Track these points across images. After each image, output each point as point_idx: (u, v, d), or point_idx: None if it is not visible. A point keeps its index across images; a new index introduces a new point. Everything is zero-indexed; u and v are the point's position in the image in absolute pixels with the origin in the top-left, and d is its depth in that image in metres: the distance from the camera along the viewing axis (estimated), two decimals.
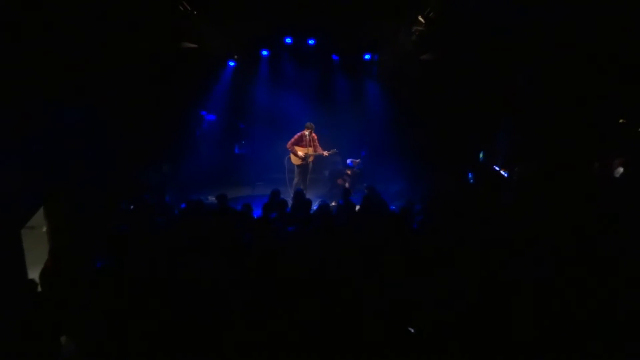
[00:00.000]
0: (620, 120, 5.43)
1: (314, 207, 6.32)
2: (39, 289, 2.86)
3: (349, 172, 7.28)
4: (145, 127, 6.47)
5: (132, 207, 4.83)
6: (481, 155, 7.54)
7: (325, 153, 6.77)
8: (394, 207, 5.60)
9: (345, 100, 8.62)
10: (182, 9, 6.14)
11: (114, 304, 2.57)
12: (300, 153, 6.83)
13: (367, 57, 8.28)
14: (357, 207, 5.55)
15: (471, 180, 7.22)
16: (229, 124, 8.53)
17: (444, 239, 3.75)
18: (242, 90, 8.50)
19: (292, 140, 6.94)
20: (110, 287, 2.72)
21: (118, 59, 5.35)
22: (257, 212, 5.06)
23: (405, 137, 8.12)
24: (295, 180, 7.00)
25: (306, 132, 6.77)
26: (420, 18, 6.53)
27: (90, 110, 4.82)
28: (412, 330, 2.41)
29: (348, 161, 7.42)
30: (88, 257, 3.09)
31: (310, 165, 6.92)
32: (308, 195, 6.82)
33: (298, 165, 6.91)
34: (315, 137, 6.97)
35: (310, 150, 6.79)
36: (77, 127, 4.41)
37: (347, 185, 6.90)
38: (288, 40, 7.80)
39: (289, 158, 6.99)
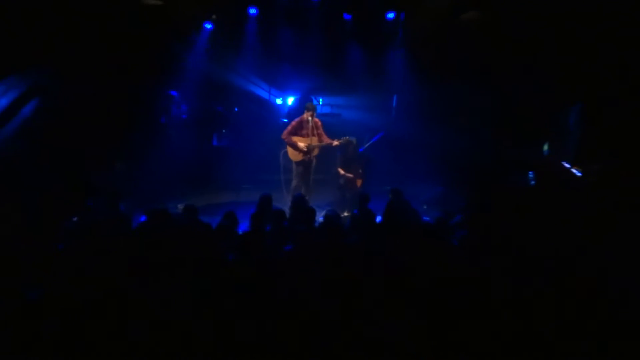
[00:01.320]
0: None
1: (319, 218, 6.35)
2: None
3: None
4: (92, 112, 6.49)
5: (74, 219, 4.82)
6: (545, 147, 7.53)
7: (335, 142, 6.77)
8: (427, 219, 5.61)
9: (359, 75, 8.68)
10: None
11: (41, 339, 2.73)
12: (301, 145, 6.83)
13: (390, 16, 8.24)
14: (378, 219, 5.55)
15: (532, 182, 7.22)
16: (204, 107, 8.56)
17: (496, 264, 3.74)
18: (222, 62, 8.56)
19: (289, 128, 6.93)
20: (37, 325, 2.78)
21: (56, 23, 5.35)
22: (243, 225, 5.08)
23: (441, 124, 8.20)
24: (294, 182, 7.00)
25: (307, 116, 6.78)
26: None
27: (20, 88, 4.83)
28: None
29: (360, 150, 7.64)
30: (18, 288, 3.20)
31: (314, 161, 6.93)
32: (312, 203, 6.83)
33: (297, 162, 6.91)
34: (320, 123, 7.00)
35: (314, 141, 6.78)
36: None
37: (349, 176, 7.11)
38: None
39: (285, 152, 6.99)
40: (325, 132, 6.97)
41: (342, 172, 7.21)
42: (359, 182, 7.31)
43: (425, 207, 7.40)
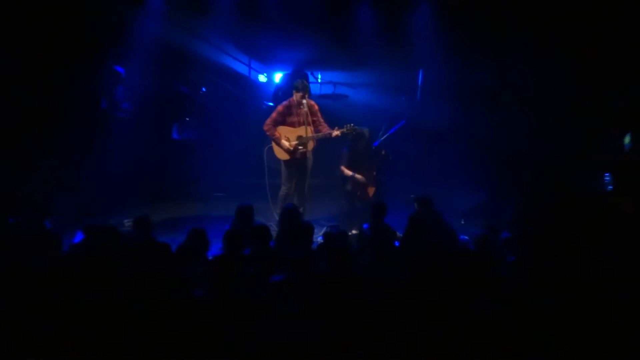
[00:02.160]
0: None
1: (319, 238, 6.34)
2: None
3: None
4: (7, 96, 6.52)
5: None
6: (627, 140, 7.57)
7: (336, 132, 6.79)
8: (465, 238, 5.63)
9: (372, 43, 8.70)
10: None
11: None
12: (289, 138, 6.92)
13: None
14: (399, 237, 5.60)
15: (609, 187, 7.26)
16: (161, 87, 8.57)
17: (560, 303, 3.77)
18: (184, 25, 8.59)
19: (273, 115, 7.01)
20: None
21: None
22: (214, 247, 5.12)
23: (483, 110, 8.27)
24: (283, 189, 7.06)
25: (298, 98, 6.87)
26: None
27: None
28: None
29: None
30: None
31: (310, 159, 6.97)
32: (308, 217, 6.86)
33: (287, 162, 6.97)
34: (316, 108, 7.06)
35: (309, 131, 6.84)
36: None
37: (359, 180, 7.31)
38: None
39: (270, 149, 7.07)
40: (325, 120, 7.00)
41: (348, 174, 7.24)
42: (371, 189, 7.34)
43: (463, 222, 7.44)
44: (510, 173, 7.82)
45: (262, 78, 10.01)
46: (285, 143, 6.85)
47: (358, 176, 7.21)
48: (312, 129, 6.84)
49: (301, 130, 6.83)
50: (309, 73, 9.46)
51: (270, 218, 7.04)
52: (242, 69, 9.76)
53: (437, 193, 6.66)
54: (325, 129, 6.86)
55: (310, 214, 7.23)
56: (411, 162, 8.36)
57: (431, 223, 5.35)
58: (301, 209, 6.74)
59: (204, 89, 9.07)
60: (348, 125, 6.80)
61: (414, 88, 9.13)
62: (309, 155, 6.94)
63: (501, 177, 7.80)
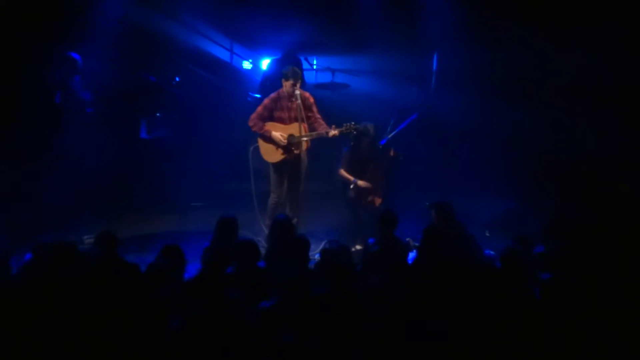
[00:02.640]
0: None
1: (316, 255, 6.29)
2: None
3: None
4: None
5: None
6: None
7: (333, 131, 6.78)
8: (491, 253, 5.66)
9: (377, 23, 8.73)
10: None
11: None
12: (279, 136, 6.95)
13: None
14: (413, 253, 5.62)
15: None
16: (127, 77, 8.57)
17: (605, 327, 3.80)
18: (154, 4, 8.65)
19: (259, 109, 7.06)
20: None
21: None
22: (192, 267, 5.13)
23: (512, 101, 8.31)
24: (273, 197, 7.09)
25: (288, 89, 6.91)
26: None
27: None
28: None
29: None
30: None
31: (304, 162, 7.00)
32: (303, 229, 6.84)
33: (276, 164, 7.01)
34: (312, 100, 7.09)
35: (303, 129, 6.87)
36: None
37: (363, 186, 7.34)
38: None
39: (257, 148, 7.12)
40: (322, 115, 6.99)
41: (349, 179, 7.24)
42: (378, 196, 7.36)
43: (487, 234, 7.46)
44: (542, 175, 7.87)
45: (246, 65, 10.04)
46: (278, 135, 6.88)
47: (361, 182, 7.22)
48: (306, 126, 6.86)
49: (293, 128, 6.84)
50: (302, 58, 9.46)
51: (258, 232, 7.05)
52: (223, 54, 9.80)
53: (456, 200, 6.55)
54: (321, 127, 6.87)
55: (305, 226, 7.22)
56: (425, 163, 8.36)
57: (450, 236, 5.35)
58: (295, 221, 6.72)
59: (177, 79, 9.03)
60: (348, 123, 6.80)
61: (428, 75, 9.14)
62: (303, 156, 6.95)
63: (532, 179, 7.82)
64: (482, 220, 7.67)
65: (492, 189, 8.02)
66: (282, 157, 6.92)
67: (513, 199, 7.97)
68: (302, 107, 6.78)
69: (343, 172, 7.30)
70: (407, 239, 6.51)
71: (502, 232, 7.14)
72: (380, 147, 7.41)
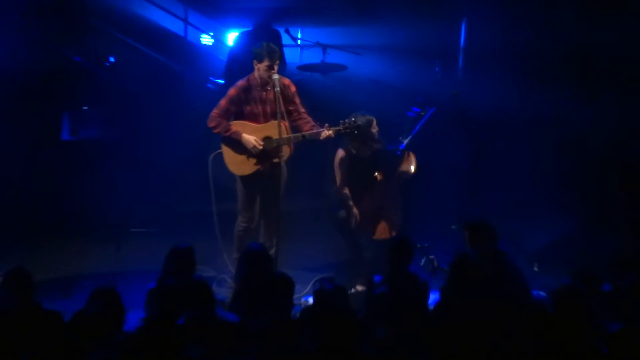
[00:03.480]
0: None
1: (303, 298, 6.35)
2: None
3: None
4: None
5: None
6: None
7: (328, 132, 6.70)
8: (541, 294, 5.69)
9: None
10: None
11: None
12: (252, 140, 6.93)
13: None
14: (434, 295, 5.60)
15: None
16: (42, 57, 8.56)
17: None
18: None
19: (223, 102, 7.08)
20: None
21: None
22: (133, 315, 5.06)
23: (563, 91, 8.39)
24: (242, 219, 7.14)
25: (262, 74, 6.92)
26: None
27: None
28: None
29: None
30: None
31: (284, 173, 7.00)
32: (285, 264, 6.83)
33: (246, 178, 7.08)
34: (294, 90, 7.10)
35: (285, 129, 6.87)
36: None
37: (367, 205, 7.35)
38: None
39: (220, 156, 7.12)
40: (308, 110, 7.03)
41: (346, 193, 7.31)
42: (389, 220, 7.36)
43: (536, 267, 7.51)
44: (612, 185, 7.92)
45: (206, 40, 10.13)
46: (251, 140, 6.83)
47: (356, 211, 7.26)
48: (287, 124, 6.87)
49: (270, 128, 6.83)
50: (281, 31, 9.47)
51: (223, 267, 7.09)
52: (173, 25, 9.87)
53: (494, 222, 6.41)
54: (308, 126, 6.89)
55: (288, 260, 7.18)
56: (450, 169, 8.46)
57: (490, 269, 5.40)
58: (272, 252, 6.70)
59: (111, 59, 9.07)
60: (347, 120, 6.78)
61: (453, 52, 9.28)
62: (283, 166, 6.91)
63: (598, 191, 7.91)
64: (528, 247, 7.70)
65: (541, 205, 8.07)
66: (255, 167, 6.91)
67: (571, 218, 7.98)
68: (280, 99, 6.75)
69: (343, 191, 7.29)
70: (431, 257, 6.54)
71: (556, 264, 7.18)
72: (389, 152, 7.42)
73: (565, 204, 8.00)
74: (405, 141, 7.43)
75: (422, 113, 7.63)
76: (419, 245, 5.83)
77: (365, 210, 7.26)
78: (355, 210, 7.22)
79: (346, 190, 7.24)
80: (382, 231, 7.31)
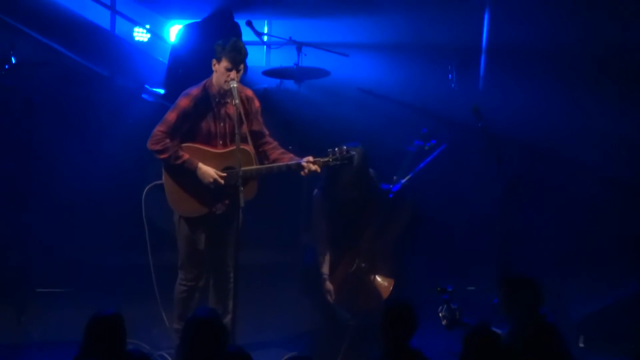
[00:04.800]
0: None
1: None
2: None
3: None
4: None
5: None
6: None
7: (311, 167, 6.69)
8: None
9: None
10: None
11: None
12: (212, 173, 6.84)
13: None
14: None
15: None
16: None
17: None
18: None
19: (171, 116, 7.04)
20: None
21: None
22: None
23: (613, 104, 8.52)
24: (185, 277, 7.12)
25: (220, 79, 6.93)
26: None
27: None
28: None
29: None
30: None
31: (240, 214, 6.97)
32: (242, 336, 6.89)
33: (193, 221, 7.12)
34: (258, 106, 7.13)
35: (251, 158, 6.78)
36: None
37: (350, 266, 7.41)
38: None
39: (158, 189, 7.14)
40: (273, 131, 7.09)
41: (323, 269, 7.42)
42: (385, 285, 7.44)
43: (582, 343, 7.48)
44: None
45: (139, 35, 10.18)
46: (211, 172, 6.80)
47: (330, 286, 7.33)
48: (253, 152, 6.90)
49: (232, 156, 6.83)
50: (241, 23, 9.49)
51: (161, 339, 7.13)
52: (97, 15, 9.94)
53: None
54: (276, 153, 6.97)
55: (246, 331, 7.25)
56: (472, 214, 8.57)
57: (530, 347, 5.41)
58: (226, 320, 6.70)
59: (13, 60, 9.11)
60: (337, 149, 6.83)
61: (472, 53, 9.44)
62: (242, 207, 6.86)
63: None
64: (571, 315, 7.70)
65: (589, 259, 8.16)
66: (207, 208, 6.97)
67: (629, 279, 7.98)
68: (242, 117, 6.80)
69: (321, 254, 7.37)
70: (454, 306, 6.51)
71: (607, 340, 7.22)
72: (388, 194, 7.49)
73: (621, 259, 8.07)
74: (403, 181, 7.56)
75: (427, 148, 7.69)
76: (439, 288, 5.73)
77: (346, 275, 7.35)
78: (329, 286, 7.29)
79: (327, 259, 7.35)
80: (367, 300, 7.37)
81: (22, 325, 7.84)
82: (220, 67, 6.85)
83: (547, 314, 5.81)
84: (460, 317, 5.65)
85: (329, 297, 7.30)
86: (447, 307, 5.68)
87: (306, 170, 6.84)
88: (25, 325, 7.81)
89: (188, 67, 8.77)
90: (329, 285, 7.28)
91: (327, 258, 7.35)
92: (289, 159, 6.94)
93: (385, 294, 7.40)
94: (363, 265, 7.38)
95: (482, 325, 5.40)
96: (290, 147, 7.06)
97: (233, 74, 6.80)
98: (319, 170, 6.85)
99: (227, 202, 6.98)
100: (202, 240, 7.09)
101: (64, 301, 8.12)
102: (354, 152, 6.94)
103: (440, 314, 5.88)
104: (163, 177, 7.05)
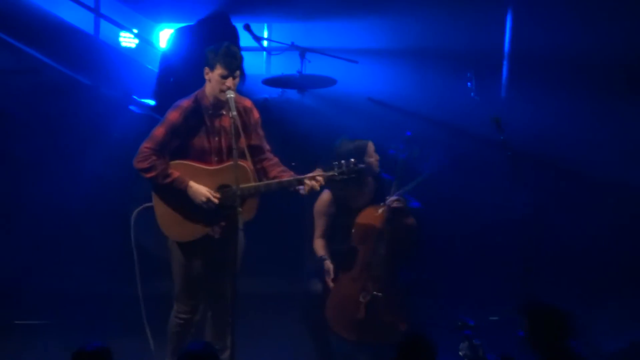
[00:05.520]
0: None
1: None
2: None
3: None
4: None
5: None
6: None
7: (312, 182, 6.72)
8: None
9: None
10: None
11: None
12: (205, 193, 6.85)
13: None
14: None
15: None
16: None
17: None
18: None
19: (159, 131, 7.05)
20: None
21: None
22: None
23: None
24: (180, 309, 7.12)
25: (214, 88, 6.92)
26: None
27: None
28: None
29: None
30: None
31: (241, 239, 6.97)
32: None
33: (187, 246, 7.12)
34: (258, 117, 7.16)
35: (249, 175, 6.84)
36: None
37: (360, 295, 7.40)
38: None
39: (148, 211, 7.13)
40: (275, 146, 7.14)
41: (323, 248, 7.52)
42: (385, 318, 7.40)
43: None
44: None
45: (126, 40, 10.22)
46: (204, 192, 6.80)
47: (330, 266, 7.38)
48: (251, 168, 6.95)
49: (227, 173, 6.86)
50: (239, 27, 9.55)
51: None
52: (79, 18, 10.01)
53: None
54: (276, 170, 6.96)
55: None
56: (492, 235, 8.59)
57: None
58: (224, 357, 6.78)
59: None
60: (343, 162, 6.77)
61: (494, 59, 9.51)
62: (241, 230, 6.87)
63: None
64: (602, 349, 7.73)
65: (622, 288, 8.19)
66: (203, 231, 6.95)
67: None
68: (240, 130, 6.81)
69: (317, 243, 7.49)
70: (476, 342, 6.49)
71: None
72: (396, 212, 7.56)
73: None
74: (413, 200, 7.68)
75: (414, 155, 7.76)
76: (459, 322, 5.71)
77: (357, 303, 7.36)
78: (328, 265, 7.35)
79: (323, 244, 7.46)
80: (378, 331, 7.41)
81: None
82: (214, 75, 6.85)
83: (576, 346, 5.76)
84: (484, 354, 5.65)
85: (327, 279, 7.37)
86: (469, 344, 5.70)
87: (305, 189, 6.79)
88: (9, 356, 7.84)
89: (180, 75, 8.75)
90: (328, 265, 7.35)
91: (323, 243, 7.47)
92: (280, 173, 6.95)
93: (400, 320, 7.41)
94: (379, 295, 7.39)
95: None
96: (293, 164, 7.05)
97: (229, 81, 6.79)
98: (317, 187, 6.78)
99: (223, 224, 6.95)
100: (198, 267, 7.08)
101: (44, 334, 8.11)
102: (362, 165, 6.93)
103: (460, 353, 5.90)
104: (153, 199, 7.05)
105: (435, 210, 7.89)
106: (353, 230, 7.48)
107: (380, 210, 7.51)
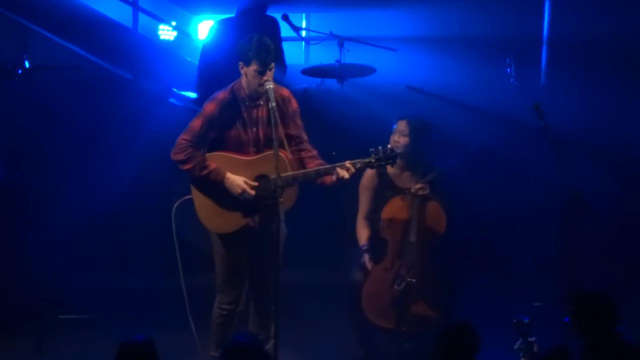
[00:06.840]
0: None
1: None
2: None
3: None
4: None
5: None
6: None
7: (343, 172, 6.70)
8: None
9: None
10: None
11: None
12: (241, 184, 6.85)
13: None
14: None
15: None
16: None
17: None
18: None
19: (196, 124, 7.06)
20: None
21: None
22: None
23: None
24: (222, 300, 7.15)
25: (251, 81, 6.91)
26: None
27: None
28: None
29: None
30: None
31: (283, 227, 6.86)
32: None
33: (228, 237, 7.12)
34: (296, 107, 7.13)
35: (285, 164, 6.77)
36: None
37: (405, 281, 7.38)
38: None
39: (188, 204, 7.16)
40: (314, 137, 7.14)
41: (369, 267, 7.45)
42: (422, 307, 7.50)
43: None
44: None
45: (164, 33, 10.29)
46: (240, 182, 6.80)
47: (368, 257, 7.43)
48: (290, 157, 6.97)
49: (264, 163, 6.85)
50: (278, 18, 9.45)
51: None
52: (117, 12, 10.07)
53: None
54: (314, 163, 6.91)
55: (292, 358, 7.35)
56: (534, 224, 8.58)
57: None
58: (268, 347, 6.76)
59: (26, 65, 9.19)
60: (380, 148, 6.72)
61: (533, 45, 9.48)
62: (282, 220, 6.77)
63: None
64: None
65: None
66: (243, 222, 6.95)
67: None
68: (277, 120, 6.75)
69: (360, 226, 7.53)
70: (531, 339, 6.38)
71: None
72: (434, 195, 7.57)
73: None
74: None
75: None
76: (514, 320, 5.65)
77: (391, 290, 7.40)
78: (366, 257, 7.39)
79: (367, 230, 7.48)
80: (415, 319, 7.43)
81: (43, 355, 7.92)
82: (249, 71, 6.84)
83: (624, 332, 5.72)
84: (538, 350, 5.64)
85: (368, 266, 7.43)
86: (524, 340, 5.70)
87: (339, 175, 6.69)
88: (47, 355, 7.88)
89: (222, 67, 8.59)
90: (366, 257, 7.38)
91: (366, 232, 7.48)
92: (321, 164, 6.91)
93: (433, 314, 7.46)
94: (414, 281, 7.42)
95: (558, 349, 5.48)
96: (333, 153, 7.05)
97: (267, 74, 6.77)
98: (347, 176, 6.69)
99: (265, 213, 6.94)
100: (239, 258, 7.09)
101: (88, 328, 8.16)
102: (399, 151, 6.94)
103: (515, 347, 5.91)
104: (192, 191, 7.08)
105: (476, 197, 7.86)
106: (380, 222, 7.47)
107: (406, 198, 7.54)
